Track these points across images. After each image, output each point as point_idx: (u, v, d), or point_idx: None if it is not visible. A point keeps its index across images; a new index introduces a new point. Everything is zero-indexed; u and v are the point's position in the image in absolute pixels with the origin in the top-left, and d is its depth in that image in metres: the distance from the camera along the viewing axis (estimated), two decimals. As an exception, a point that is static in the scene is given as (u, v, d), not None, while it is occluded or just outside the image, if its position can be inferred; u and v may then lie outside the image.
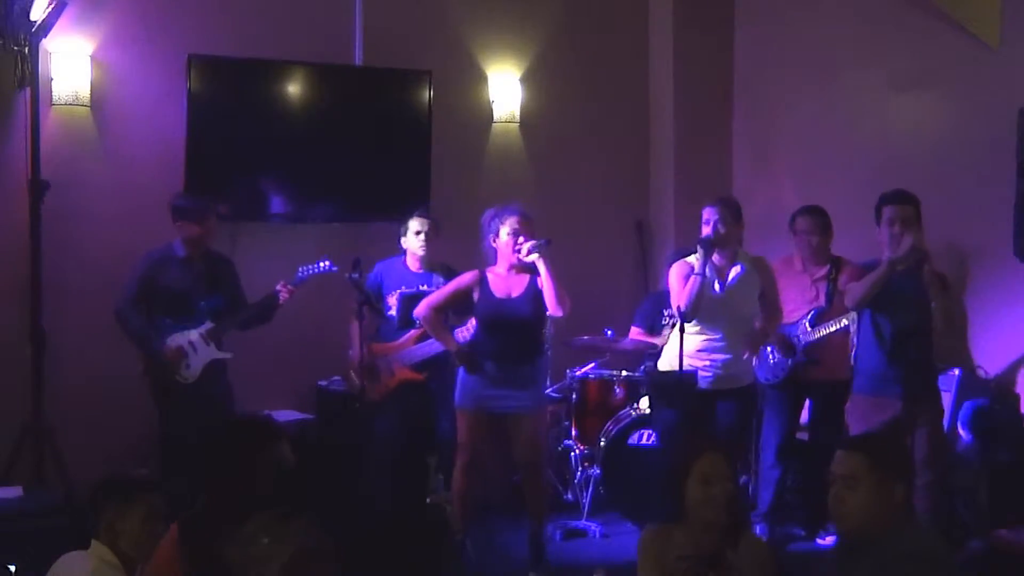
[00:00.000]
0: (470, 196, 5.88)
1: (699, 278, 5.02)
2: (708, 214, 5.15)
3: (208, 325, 5.40)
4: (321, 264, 5.59)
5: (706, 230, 5.12)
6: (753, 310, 5.23)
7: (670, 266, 5.33)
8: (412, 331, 5.65)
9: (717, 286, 5.13)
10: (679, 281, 5.14)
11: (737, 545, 3.17)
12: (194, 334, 5.38)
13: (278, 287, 5.50)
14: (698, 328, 5.12)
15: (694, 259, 5.13)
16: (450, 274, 5.67)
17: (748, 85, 7.38)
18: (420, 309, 5.34)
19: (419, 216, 5.74)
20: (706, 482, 3.17)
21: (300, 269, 5.58)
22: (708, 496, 3.16)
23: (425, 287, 5.68)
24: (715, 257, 5.14)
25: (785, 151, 7.13)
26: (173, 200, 5.53)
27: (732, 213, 5.16)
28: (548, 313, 5.21)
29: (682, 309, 5.06)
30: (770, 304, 5.29)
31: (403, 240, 5.77)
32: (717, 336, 5.13)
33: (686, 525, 3.23)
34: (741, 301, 5.17)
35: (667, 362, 5.26)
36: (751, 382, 5.33)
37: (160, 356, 5.33)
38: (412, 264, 5.77)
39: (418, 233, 5.69)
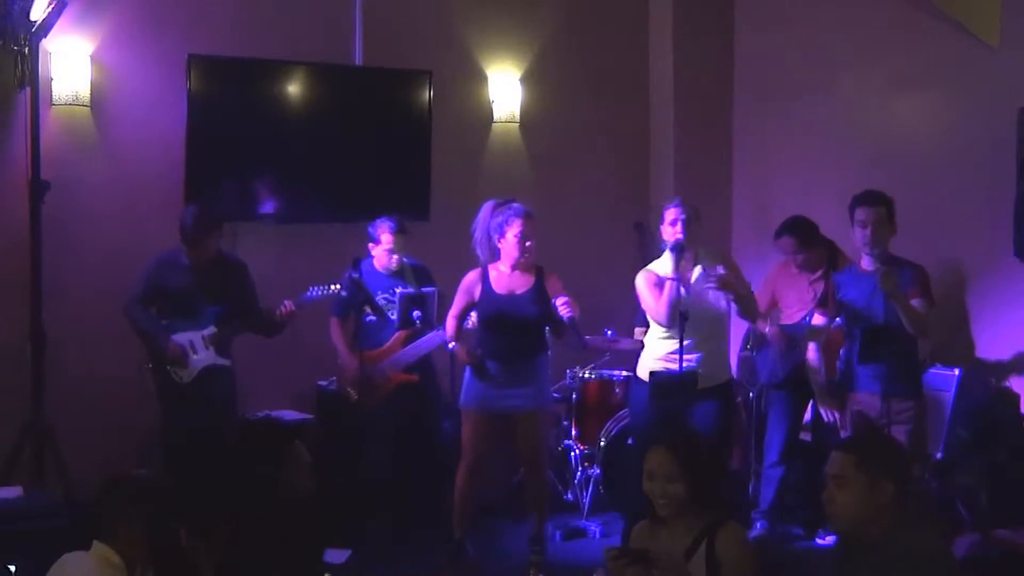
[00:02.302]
0: (470, 196, 5.87)
1: (675, 282, 4.99)
2: (675, 213, 5.10)
3: (211, 329, 5.40)
4: (332, 287, 5.54)
5: (673, 231, 5.07)
6: (722, 307, 5.16)
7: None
8: (399, 333, 5.62)
9: (682, 289, 5.06)
10: (651, 290, 5.09)
11: (715, 539, 3.23)
12: (196, 336, 5.38)
13: (282, 306, 5.43)
14: (666, 331, 5.08)
15: (657, 266, 5.11)
16: (417, 274, 5.72)
17: (748, 85, 7.38)
18: (447, 326, 5.34)
19: (390, 231, 5.63)
20: (650, 477, 3.30)
21: (311, 289, 5.53)
22: (650, 491, 3.29)
23: (399, 289, 5.65)
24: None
25: (785, 151, 7.13)
26: (182, 213, 5.47)
27: (695, 212, 5.12)
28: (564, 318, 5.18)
29: (662, 317, 5.06)
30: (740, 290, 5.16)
31: (374, 248, 5.69)
32: (687, 339, 5.03)
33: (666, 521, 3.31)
34: (707, 300, 5.10)
35: (645, 367, 5.21)
36: (727, 379, 5.25)
37: (163, 352, 5.33)
38: (380, 267, 5.71)
39: (389, 251, 5.65)
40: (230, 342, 5.49)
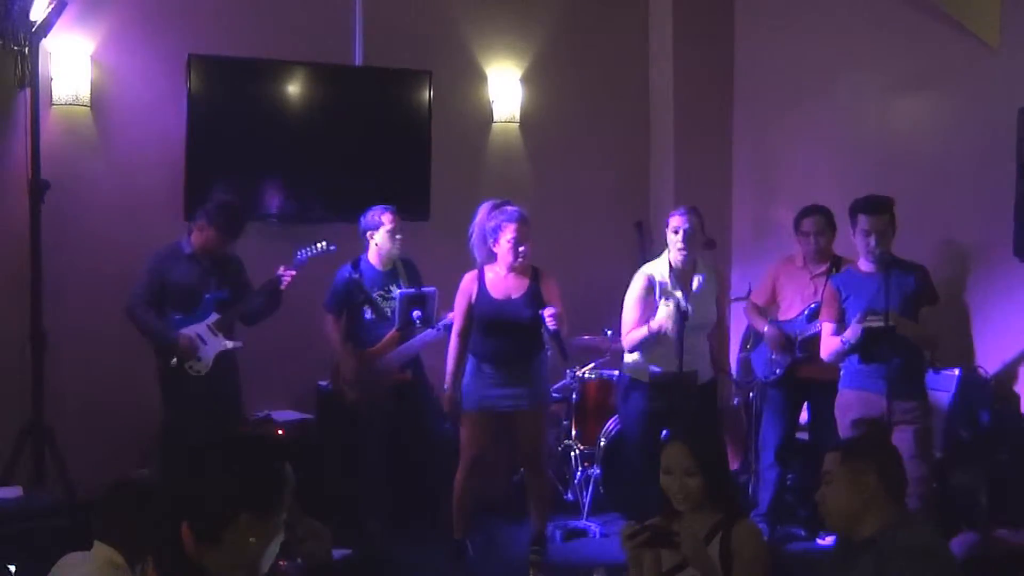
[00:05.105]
0: (470, 196, 5.87)
1: (651, 333, 5.08)
2: (679, 222, 5.19)
3: (214, 316, 5.41)
4: (318, 245, 5.58)
5: (675, 239, 5.17)
6: (711, 316, 5.31)
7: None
8: (392, 332, 5.58)
9: (680, 295, 5.16)
10: (635, 305, 5.21)
11: (730, 533, 3.27)
12: (201, 327, 5.39)
13: (279, 271, 5.50)
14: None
15: (653, 268, 5.21)
16: (409, 269, 5.66)
17: (748, 86, 7.38)
18: (452, 343, 5.33)
19: (390, 211, 5.60)
20: (667, 472, 3.34)
21: (299, 252, 5.57)
22: (667, 486, 3.34)
23: (396, 288, 5.60)
24: (679, 263, 5.23)
25: (785, 150, 7.13)
26: (217, 198, 5.48)
27: (700, 222, 5.25)
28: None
29: (625, 343, 5.20)
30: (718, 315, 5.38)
31: (373, 235, 5.59)
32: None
33: (680, 516, 3.34)
34: (701, 309, 5.22)
35: (638, 368, 5.27)
36: (709, 379, 5.37)
37: (175, 347, 5.32)
38: (376, 262, 5.64)
39: (391, 232, 5.57)
40: (234, 324, 5.52)
